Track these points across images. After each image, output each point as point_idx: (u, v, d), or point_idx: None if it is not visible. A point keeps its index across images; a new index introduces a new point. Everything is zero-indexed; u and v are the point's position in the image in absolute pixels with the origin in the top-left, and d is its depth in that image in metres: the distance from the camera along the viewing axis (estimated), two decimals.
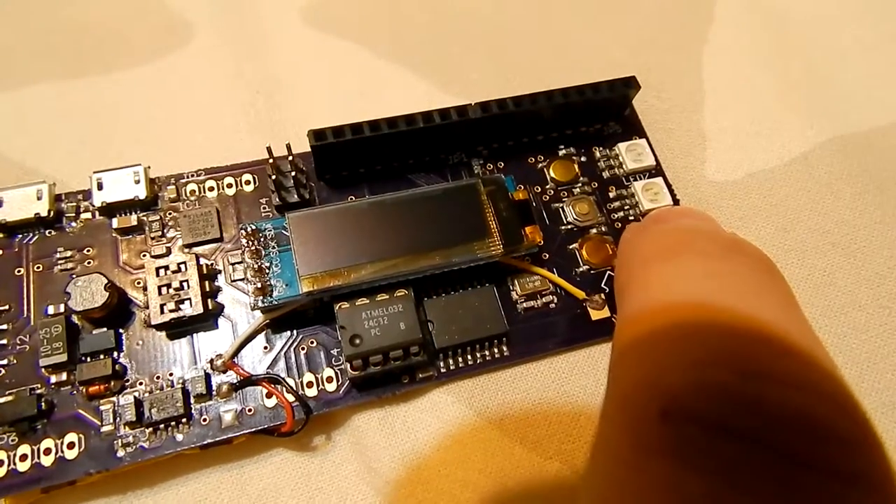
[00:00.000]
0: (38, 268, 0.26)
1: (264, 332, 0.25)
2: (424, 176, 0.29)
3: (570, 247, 0.28)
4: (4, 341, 0.24)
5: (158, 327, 0.24)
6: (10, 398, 0.23)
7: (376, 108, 0.28)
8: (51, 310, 0.25)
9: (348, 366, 0.24)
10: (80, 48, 0.33)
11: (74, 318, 0.24)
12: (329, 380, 0.25)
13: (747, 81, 0.35)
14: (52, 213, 0.26)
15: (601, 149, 0.31)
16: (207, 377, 0.24)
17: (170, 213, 0.27)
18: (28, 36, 0.34)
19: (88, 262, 0.26)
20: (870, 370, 0.27)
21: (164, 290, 0.24)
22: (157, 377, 0.24)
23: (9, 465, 0.22)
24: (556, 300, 0.27)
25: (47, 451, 0.22)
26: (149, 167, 0.27)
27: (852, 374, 0.27)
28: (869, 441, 0.12)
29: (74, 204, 0.27)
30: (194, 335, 0.25)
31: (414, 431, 0.25)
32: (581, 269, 0.28)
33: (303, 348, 0.25)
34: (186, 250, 0.26)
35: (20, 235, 0.26)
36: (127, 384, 0.24)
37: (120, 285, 0.25)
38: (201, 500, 0.24)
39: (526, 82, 0.32)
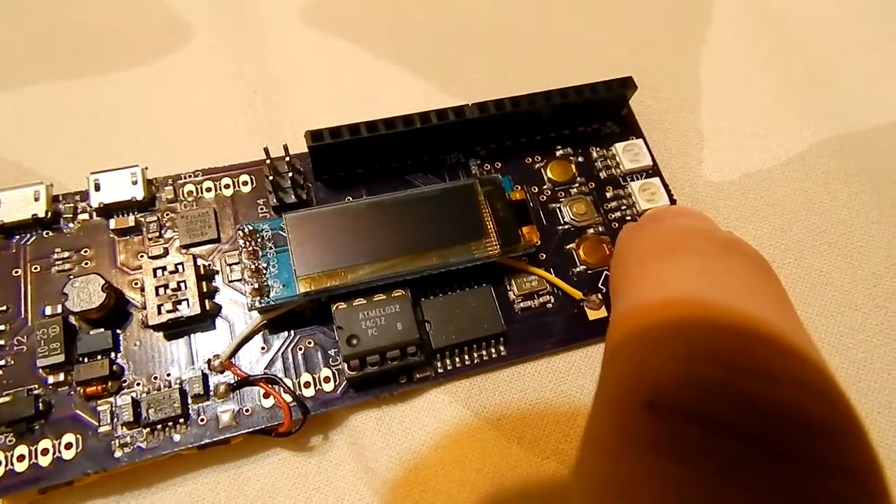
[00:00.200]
0: (36, 268, 0.26)
1: (261, 332, 0.25)
2: (422, 176, 0.29)
3: (568, 247, 0.28)
4: (2, 342, 0.24)
5: (156, 328, 0.24)
6: (7, 399, 0.23)
7: (375, 108, 0.28)
8: (48, 310, 0.25)
9: (345, 366, 0.24)
10: (79, 48, 0.33)
11: (72, 319, 0.24)
12: (326, 380, 0.25)
13: (745, 81, 0.35)
14: (49, 213, 0.26)
15: (598, 149, 0.31)
16: (205, 377, 0.24)
17: (167, 214, 0.27)
18: (28, 36, 0.34)
19: (86, 263, 0.26)
20: (866, 370, 0.27)
21: (161, 290, 0.24)
22: (155, 377, 0.24)
23: (6, 465, 0.22)
24: (553, 300, 0.27)
25: (45, 452, 0.23)
26: (146, 168, 0.27)
27: (849, 373, 0.27)
28: (858, 436, 0.12)
29: (72, 205, 0.27)
30: (191, 336, 0.25)
31: (411, 431, 0.25)
32: (578, 269, 0.28)
33: (300, 348, 0.25)
34: (184, 251, 0.26)
35: (17, 236, 0.26)
36: (124, 385, 0.24)
37: (117, 286, 0.25)
38: (199, 501, 0.24)
39: (525, 82, 0.32)
